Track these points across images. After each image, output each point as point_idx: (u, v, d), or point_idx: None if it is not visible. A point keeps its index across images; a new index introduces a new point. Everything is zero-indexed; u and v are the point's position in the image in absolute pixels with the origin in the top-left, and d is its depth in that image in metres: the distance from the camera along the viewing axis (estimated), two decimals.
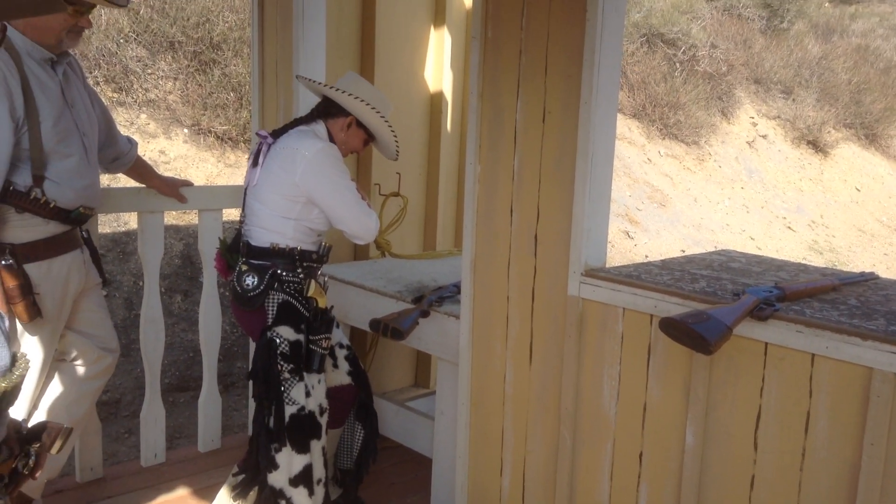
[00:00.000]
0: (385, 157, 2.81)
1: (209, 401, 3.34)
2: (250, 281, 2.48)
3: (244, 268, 2.51)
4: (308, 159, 2.46)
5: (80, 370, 2.70)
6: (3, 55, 2.31)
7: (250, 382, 2.59)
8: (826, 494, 1.79)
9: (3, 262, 2.35)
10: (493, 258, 2.51)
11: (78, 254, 2.58)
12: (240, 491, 2.57)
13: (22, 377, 1.19)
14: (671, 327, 1.82)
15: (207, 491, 2.95)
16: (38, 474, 1.28)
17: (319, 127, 2.61)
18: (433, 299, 2.79)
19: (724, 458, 1.96)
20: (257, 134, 2.64)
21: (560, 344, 2.33)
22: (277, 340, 2.44)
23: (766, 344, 1.86)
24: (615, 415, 2.21)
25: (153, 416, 3.17)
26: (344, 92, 2.56)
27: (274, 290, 2.48)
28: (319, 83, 2.67)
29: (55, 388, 2.66)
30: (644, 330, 2.12)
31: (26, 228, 2.41)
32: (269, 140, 2.56)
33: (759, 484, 1.90)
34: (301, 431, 2.47)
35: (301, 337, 2.48)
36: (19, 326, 2.45)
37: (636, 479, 2.17)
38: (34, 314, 2.41)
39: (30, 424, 1.32)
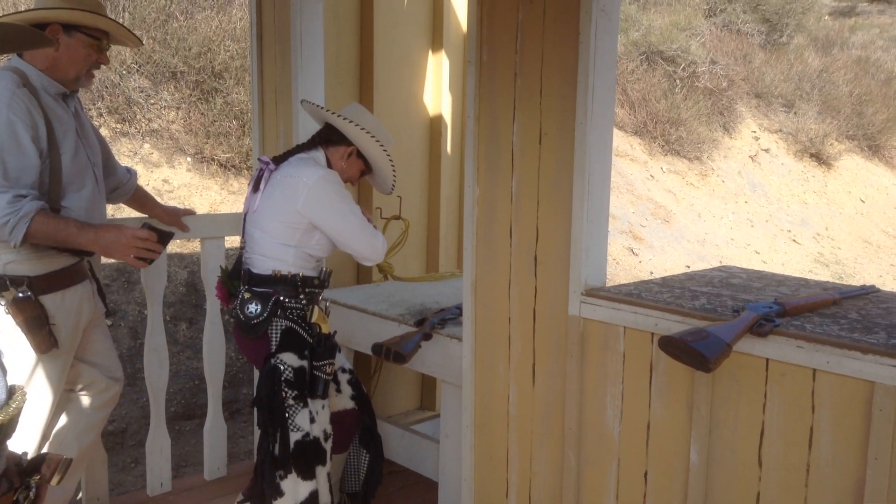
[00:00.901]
0: (379, 191, 2.83)
1: (214, 428, 3.34)
2: (253, 308, 2.49)
3: (247, 295, 2.52)
4: (310, 187, 2.47)
5: (89, 400, 2.71)
6: (24, 92, 2.35)
7: (255, 410, 2.59)
8: None
9: (21, 295, 2.37)
10: (493, 279, 2.52)
11: (87, 284, 2.60)
12: None
13: (19, 410, 1.19)
14: (671, 346, 1.82)
15: None
16: None
17: (319, 154, 2.62)
18: (435, 322, 2.79)
19: (729, 475, 1.95)
20: (259, 159, 2.66)
21: (562, 364, 2.33)
22: (281, 367, 2.45)
23: (768, 360, 1.86)
24: (619, 434, 2.20)
25: (158, 445, 3.17)
26: (349, 121, 2.59)
27: (277, 316, 2.49)
28: (325, 109, 2.69)
29: (64, 418, 2.67)
30: (645, 348, 2.11)
31: (42, 260, 2.43)
32: (272, 166, 2.58)
33: (764, 500, 1.89)
34: (306, 458, 2.46)
35: (305, 363, 2.48)
36: (33, 358, 2.45)
37: (642, 498, 2.15)
38: (50, 345, 2.43)
39: (38, 454, 1.32)
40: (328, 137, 2.65)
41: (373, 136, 2.60)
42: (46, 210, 2.34)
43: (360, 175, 2.73)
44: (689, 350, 1.75)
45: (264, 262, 2.52)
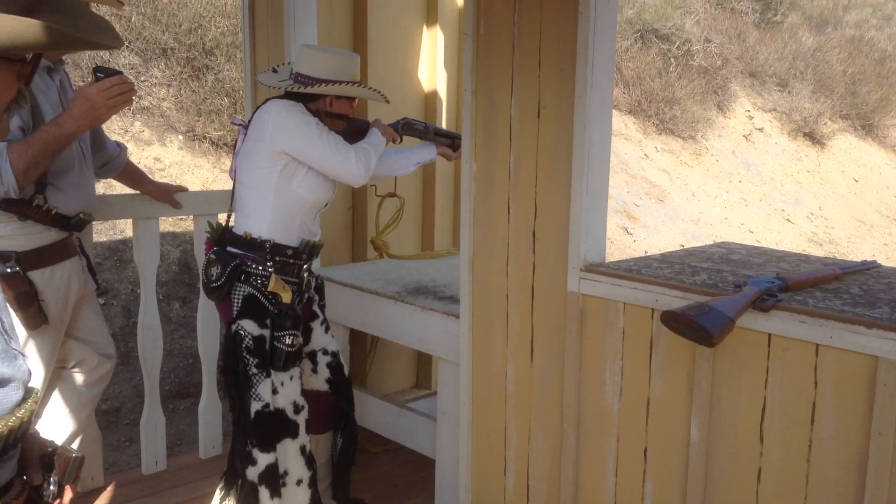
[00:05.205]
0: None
1: (209, 407, 3.31)
2: (214, 272, 2.46)
3: (213, 257, 2.49)
4: (273, 115, 2.41)
5: (81, 377, 2.69)
6: None
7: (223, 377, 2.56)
8: (834, 485, 1.77)
9: (9, 270, 2.33)
10: (491, 256, 2.49)
11: (77, 260, 2.57)
12: (226, 492, 2.53)
13: (30, 413, 1.11)
14: (673, 320, 1.80)
15: (208, 498, 2.92)
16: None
17: (299, 106, 2.50)
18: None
19: (730, 451, 1.94)
20: (233, 122, 2.61)
21: (561, 340, 2.31)
22: (242, 333, 2.42)
23: (770, 335, 1.84)
24: (618, 410, 2.18)
25: (153, 424, 3.15)
26: (309, 84, 2.48)
27: (241, 281, 2.45)
28: (280, 84, 2.56)
29: (56, 395, 2.65)
30: (646, 324, 2.09)
31: (29, 236, 2.40)
32: (244, 132, 2.54)
33: (765, 476, 1.88)
34: (265, 429, 2.42)
35: (265, 332, 2.44)
36: (23, 335, 2.42)
37: (641, 474, 2.14)
38: (40, 321, 2.40)
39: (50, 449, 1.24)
40: (303, 95, 2.53)
41: (337, 83, 2.49)
42: (12, 142, 2.24)
43: (352, 104, 2.64)
44: (692, 324, 1.73)
45: (241, 219, 2.50)
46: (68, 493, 1.21)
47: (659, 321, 2.04)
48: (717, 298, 1.84)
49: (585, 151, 2.18)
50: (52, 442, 1.23)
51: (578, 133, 2.19)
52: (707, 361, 1.95)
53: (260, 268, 2.46)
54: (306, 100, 2.53)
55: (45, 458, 1.20)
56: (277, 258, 2.48)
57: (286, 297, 2.47)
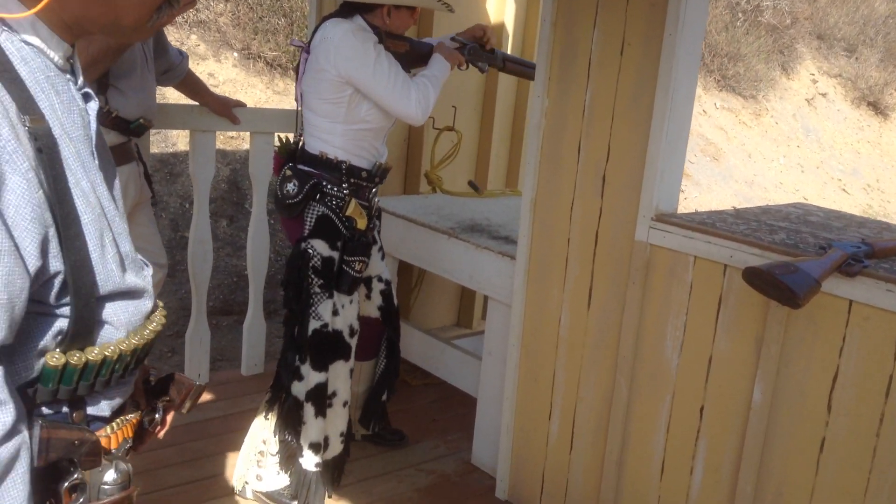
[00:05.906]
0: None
1: (254, 325, 3.32)
2: (291, 187, 2.40)
3: (288, 173, 2.43)
4: (336, 44, 2.32)
5: None
6: None
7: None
8: None
9: None
10: (555, 198, 2.41)
11: (134, 166, 2.55)
12: (270, 406, 2.53)
13: (156, 333, 1.05)
14: (757, 277, 1.72)
15: (249, 414, 2.93)
16: (162, 432, 1.15)
17: (359, 20, 2.41)
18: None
19: (794, 417, 1.87)
20: (291, 43, 2.50)
21: (622, 290, 2.24)
22: (311, 252, 2.38)
23: (851, 302, 1.76)
24: (677, 366, 2.12)
25: (199, 337, 3.16)
26: None
27: (316, 201, 2.40)
28: None
29: None
30: (716, 280, 2.01)
31: None
32: (306, 53, 2.43)
33: (829, 447, 1.82)
34: (321, 348, 2.41)
35: (335, 254, 2.40)
36: None
37: (695, 433, 2.09)
38: None
39: (166, 373, 1.18)
40: (360, 6, 2.42)
41: None
42: None
43: (414, 15, 2.52)
44: (777, 283, 1.65)
45: (314, 142, 2.44)
46: (170, 416, 1.16)
47: (730, 278, 1.96)
48: (801, 259, 1.75)
49: (670, 95, 2.07)
50: (153, 367, 1.18)
51: (664, 74, 2.08)
52: (779, 324, 1.87)
53: (335, 189, 2.41)
54: (363, 10, 2.42)
55: (159, 383, 1.15)
56: (353, 180, 2.43)
57: (361, 224, 2.44)
